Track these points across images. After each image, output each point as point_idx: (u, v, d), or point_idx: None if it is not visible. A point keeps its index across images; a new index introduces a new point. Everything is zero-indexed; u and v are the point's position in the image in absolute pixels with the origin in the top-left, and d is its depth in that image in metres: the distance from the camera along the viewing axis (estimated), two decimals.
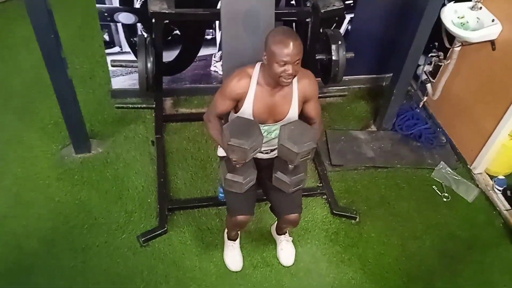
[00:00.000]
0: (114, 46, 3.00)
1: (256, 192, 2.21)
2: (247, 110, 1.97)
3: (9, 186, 2.69)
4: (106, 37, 2.95)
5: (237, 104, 1.99)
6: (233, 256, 2.45)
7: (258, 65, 1.96)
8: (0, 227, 2.51)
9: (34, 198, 2.65)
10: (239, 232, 2.44)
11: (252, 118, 1.96)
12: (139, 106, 3.14)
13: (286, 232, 2.49)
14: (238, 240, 2.46)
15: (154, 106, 3.07)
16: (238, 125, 1.87)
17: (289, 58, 1.77)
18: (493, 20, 2.65)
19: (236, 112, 2.02)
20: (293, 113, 2.00)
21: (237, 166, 1.92)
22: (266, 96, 1.95)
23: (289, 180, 1.99)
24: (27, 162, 2.83)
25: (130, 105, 3.11)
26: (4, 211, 2.58)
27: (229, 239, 2.45)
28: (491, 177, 2.98)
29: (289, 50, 1.76)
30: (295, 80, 1.96)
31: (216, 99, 2.02)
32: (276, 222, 2.44)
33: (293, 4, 2.96)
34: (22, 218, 2.56)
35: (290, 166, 1.93)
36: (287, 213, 2.17)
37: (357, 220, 2.71)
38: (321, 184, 2.86)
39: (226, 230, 2.45)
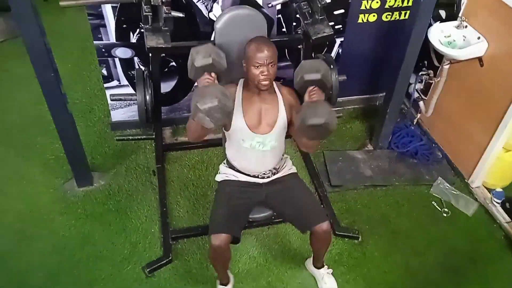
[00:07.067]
0: (113, 80, 3.07)
1: (245, 218, 2.20)
2: (239, 121, 2.06)
3: (13, 222, 2.71)
4: (104, 71, 3.02)
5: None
6: None
7: (241, 81, 2.14)
8: (4, 263, 2.52)
9: (38, 233, 2.67)
10: (229, 274, 2.36)
11: (248, 130, 2.06)
12: (139, 137, 3.18)
13: (324, 265, 2.43)
14: (230, 286, 2.35)
15: (153, 136, 3.12)
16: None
17: (263, 59, 1.95)
18: (478, 38, 2.73)
19: (227, 130, 2.12)
20: (283, 114, 2.11)
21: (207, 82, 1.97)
22: (253, 102, 2.08)
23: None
24: (30, 197, 2.85)
25: (130, 137, 3.15)
26: (8, 247, 2.59)
27: (220, 283, 2.34)
28: (489, 190, 3.01)
29: (262, 51, 1.95)
30: (276, 89, 2.13)
31: None
32: (312, 256, 2.42)
33: (284, 32, 3.04)
34: (26, 253, 2.57)
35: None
36: (316, 222, 2.09)
37: (360, 239, 2.73)
38: (322, 206, 2.88)
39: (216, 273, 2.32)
